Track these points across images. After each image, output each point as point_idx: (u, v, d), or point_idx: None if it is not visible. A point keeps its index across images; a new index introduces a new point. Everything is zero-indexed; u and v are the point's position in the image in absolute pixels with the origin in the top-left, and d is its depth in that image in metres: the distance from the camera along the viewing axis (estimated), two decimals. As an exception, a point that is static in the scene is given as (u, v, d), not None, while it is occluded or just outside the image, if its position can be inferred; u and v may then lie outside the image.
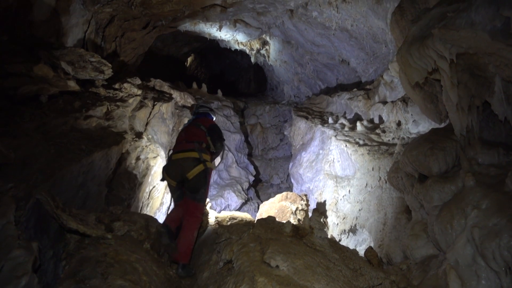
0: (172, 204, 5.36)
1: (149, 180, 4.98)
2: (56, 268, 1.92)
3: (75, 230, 2.11)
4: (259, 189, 10.48)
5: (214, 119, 3.89)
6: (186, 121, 7.10)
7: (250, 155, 11.01)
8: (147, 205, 4.97)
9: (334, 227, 5.56)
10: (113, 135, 4.33)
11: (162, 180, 3.38)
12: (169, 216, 3.21)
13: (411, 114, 4.69)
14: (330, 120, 7.15)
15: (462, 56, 3.06)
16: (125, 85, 5.78)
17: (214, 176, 7.87)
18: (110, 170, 4.13)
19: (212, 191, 7.81)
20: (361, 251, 4.09)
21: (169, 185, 3.36)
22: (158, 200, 5.44)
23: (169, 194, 5.50)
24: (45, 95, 4.14)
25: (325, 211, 5.99)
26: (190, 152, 3.18)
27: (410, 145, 3.70)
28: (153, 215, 5.00)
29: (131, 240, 2.66)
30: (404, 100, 5.08)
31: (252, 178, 9.71)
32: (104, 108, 4.56)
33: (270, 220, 3.15)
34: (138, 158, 4.74)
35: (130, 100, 5.26)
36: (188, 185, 3.16)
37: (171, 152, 3.42)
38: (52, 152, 3.52)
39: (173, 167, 3.19)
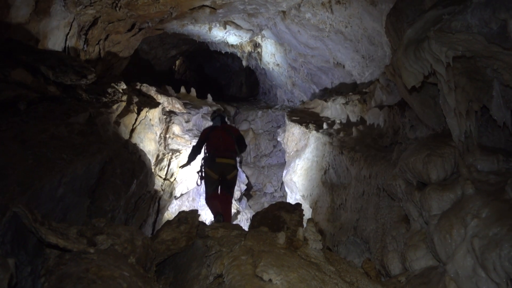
0: (157, 216, 5.99)
1: (135, 190, 4.81)
2: (35, 285, 1.83)
3: (54, 244, 1.97)
4: (251, 198, 10.16)
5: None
6: (174, 127, 7.00)
7: (241, 163, 10.71)
8: (133, 217, 4.80)
9: (330, 237, 5.42)
10: (96, 143, 4.16)
11: (199, 172, 4.86)
12: (215, 204, 4.46)
13: (408, 119, 4.60)
14: (325, 126, 6.94)
15: (459, 59, 3.00)
16: (109, 90, 5.59)
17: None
18: (93, 180, 3.96)
19: (202, 201, 7.62)
20: (358, 263, 3.99)
21: (210, 177, 4.64)
22: (144, 212, 5.26)
23: (156, 205, 5.76)
24: (24, 102, 3.98)
25: (321, 221, 5.85)
26: (230, 160, 4.67)
27: (407, 152, 3.60)
28: (139, 228, 4.86)
29: (115, 254, 2.50)
30: (401, 105, 4.98)
31: (244, 187, 9.46)
32: (86, 115, 4.39)
33: (263, 231, 3.05)
34: (123, 167, 4.57)
35: (115, 106, 5.09)
36: (227, 183, 4.63)
37: (211, 153, 4.71)
38: (31, 162, 3.38)
39: (217, 167, 4.58)
